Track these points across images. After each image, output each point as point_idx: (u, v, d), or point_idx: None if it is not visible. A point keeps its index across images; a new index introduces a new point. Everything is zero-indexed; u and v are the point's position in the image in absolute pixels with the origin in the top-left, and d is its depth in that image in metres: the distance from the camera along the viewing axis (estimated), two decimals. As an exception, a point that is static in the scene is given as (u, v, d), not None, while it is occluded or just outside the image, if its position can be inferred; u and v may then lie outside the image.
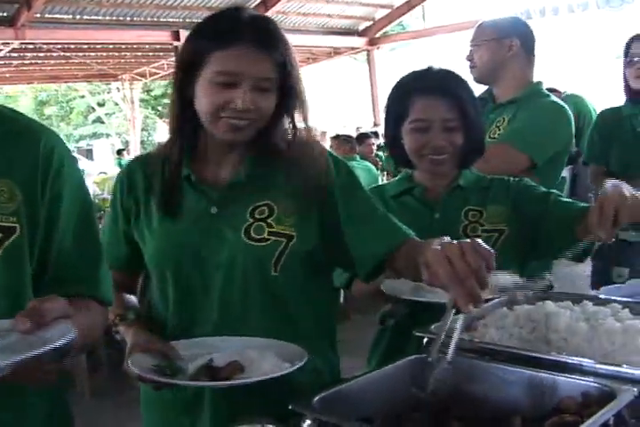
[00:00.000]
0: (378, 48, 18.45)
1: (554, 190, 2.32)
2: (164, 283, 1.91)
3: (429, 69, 2.29)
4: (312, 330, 1.94)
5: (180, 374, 1.65)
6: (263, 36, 1.80)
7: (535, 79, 3.16)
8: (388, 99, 2.33)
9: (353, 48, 18.93)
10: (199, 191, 1.89)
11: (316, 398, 1.49)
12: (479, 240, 1.48)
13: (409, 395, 1.53)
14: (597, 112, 4.07)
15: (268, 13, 14.95)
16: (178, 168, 1.89)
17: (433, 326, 1.79)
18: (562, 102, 3.06)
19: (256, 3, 14.87)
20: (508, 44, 3.06)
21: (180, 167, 1.89)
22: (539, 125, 2.93)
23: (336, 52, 19.33)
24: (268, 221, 1.85)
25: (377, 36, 18.02)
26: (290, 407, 1.45)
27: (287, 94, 1.86)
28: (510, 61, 3.07)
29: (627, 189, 1.92)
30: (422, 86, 2.23)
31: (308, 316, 1.94)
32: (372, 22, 17.80)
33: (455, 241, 1.49)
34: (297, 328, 1.90)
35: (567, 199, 2.27)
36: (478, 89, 3.04)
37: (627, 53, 3.34)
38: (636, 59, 3.30)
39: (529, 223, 2.25)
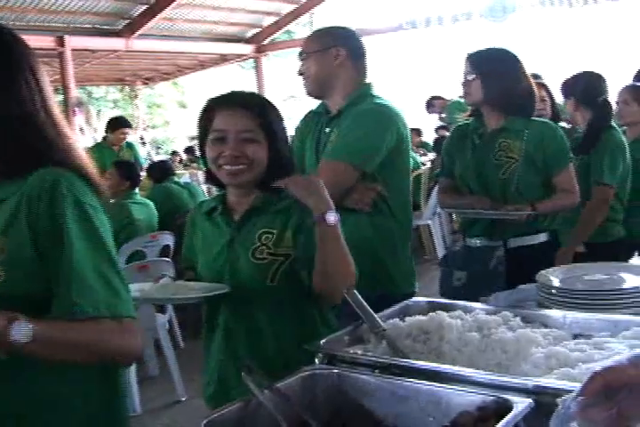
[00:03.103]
0: (265, 55, 18.44)
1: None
2: None
3: (236, 91, 2.38)
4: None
5: None
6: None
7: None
8: (198, 117, 2.37)
9: (240, 55, 18.84)
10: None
11: (204, 422, 1.42)
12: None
13: (299, 413, 1.47)
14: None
15: (154, 20, 14.77)
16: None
17: (322, 341, 1.75)
18: (386, 102, 2.99)
19: (142, 9, 14.63)
20: (334, 54, 3.01)
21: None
22: (358, 132, 2.89)
23: (224, 59, 19.19)
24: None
25: (264, 43, 18.01)
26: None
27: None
28: (338, 71, 3.02)
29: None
30: (225, 101, 2.30)
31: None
32: (259, 29, 17.78)
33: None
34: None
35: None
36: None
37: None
38: (463, 80, 3.39)
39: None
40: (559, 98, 4.60)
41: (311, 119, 3.20)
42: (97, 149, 8.49)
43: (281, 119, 2.33)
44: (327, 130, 3.04)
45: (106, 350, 1.55)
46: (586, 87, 4.22)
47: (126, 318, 1.55)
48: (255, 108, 2.26)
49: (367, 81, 3.10)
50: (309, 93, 3.14)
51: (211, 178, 2.38)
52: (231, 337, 2.27)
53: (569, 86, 4.32)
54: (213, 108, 2.29)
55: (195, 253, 2.42)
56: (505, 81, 3.33)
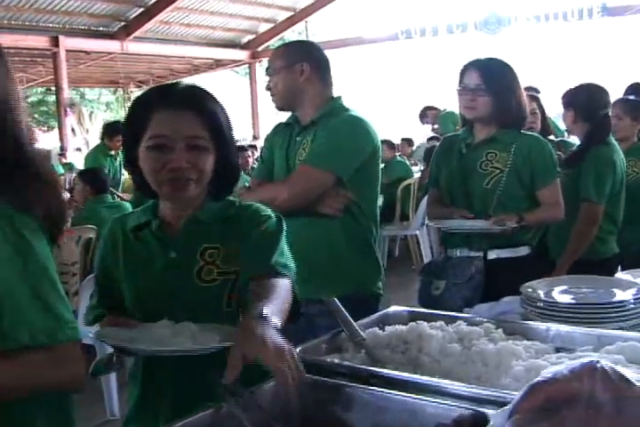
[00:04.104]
0: (260, 62, 18.46)
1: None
2: None
3: (175, 84, 1.98)
4: None
5: None
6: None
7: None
8: (127, 115, 1.99)
9: (235, 61, 18.87)
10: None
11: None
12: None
13: (270, 422, 1.44)
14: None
15: (150, 23, 14.77)
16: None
17: (299, 349, 1.72)
18: (359, 115, 3.05)
19: (139, 12, 14.62)
20: (299, 70, 3.05)
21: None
22: (336, 141, 2.94)
23: (218, 64, 19.23)
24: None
25: (259, 49, 18.04)
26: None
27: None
28: (305, 85, 3.06)
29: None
30: (166, 99, 1.90)
31: None
32: (254, 36, 17.81)
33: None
34: None
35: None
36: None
37: (460, 82, 3.38)
38: (465, 89, 3.34)
39: None
40: (551, 111, 4.58)
41: (282, 129, 3.24)
42: (100, 155, 8.88)
43: (229, 119, 2.00)
44: (298, 139, 3.08)
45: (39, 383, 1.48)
46: (587, 100, 4.13)
47: (66, 342, 1.47)
48: (204, 108, 1.91)
49: (336, 95, 3.15)
50: (278, 108, 3.18)
51: (142, 188, 1.99)
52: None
53: (570, 97, 4.22)
54: (150, 106, 1.90)
55: (117, 282, 1.99)
56: (512, 98, 3.32)
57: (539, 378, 0.92)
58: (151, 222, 1.98)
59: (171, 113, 1.87)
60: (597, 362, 0.95)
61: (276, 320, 1.56)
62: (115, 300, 1.99)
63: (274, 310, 1.60)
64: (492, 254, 3.24)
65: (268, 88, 3.15)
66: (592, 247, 3.90)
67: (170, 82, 2.01)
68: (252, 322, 1.54)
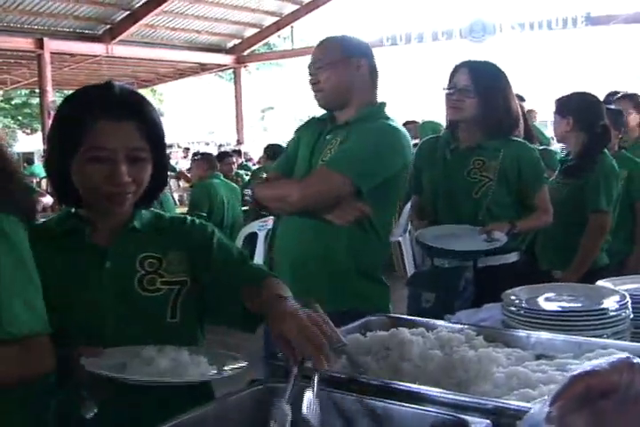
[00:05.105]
0: (245, 66, 18.47)
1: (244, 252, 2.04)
2: None
3: (110, 87, 1.82)
4: None
5: None
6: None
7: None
8: (56, 120, 1.84)
9: (220, 65, 18.87)
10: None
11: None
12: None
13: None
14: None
15: (136, 26, 14.75)
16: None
17: (280, 354, 1.71)
18: (398, 126, 2.89)
19: (124, 15, 14.59)
20: (356, 65, 2.87)
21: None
22: (366, 148, 2.76)
23: (203, 68, 19.23)
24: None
25: (245, 54, 18.04)
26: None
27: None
28: (358, 83, 2.87)
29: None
30: (104, 107, 1.76)
31: None
32: (240, 40, 17.81)
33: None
34: None
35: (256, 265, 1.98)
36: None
37: (449, 82, 3.32)
38: (452, 90, 3.28)
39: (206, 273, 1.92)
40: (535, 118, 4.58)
41: (314, 125, 3.05)
42: None
43: (161, 124, 1.88)
44: (328, 137, 2.91)
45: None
46: (587, 109, 4.07)
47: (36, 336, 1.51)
48: (145, 117, 1.81)
49: (381, 101, 2.98)
50: (325, 105, 2.96)
51: (63, 196, 1.87)
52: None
53: (566, 105, 4.13)
54: (86, 113, 1.75)
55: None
56: (500, 101, 3.27)
57: (579, 370, 0.98)
58: (85, 229, 1.84)
59: (112, 123, 1.75)
60: (634, 358, 1.01)
61: (295, 302, 1.63)
62: None
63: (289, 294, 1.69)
64: (483, 263, 3.19)
65: (315, 82, 2.90)
66: None
67: (102, 84, 1.85)
68: (276, 303, 1.61)
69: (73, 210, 1.90)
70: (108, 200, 1.78)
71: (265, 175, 3.39)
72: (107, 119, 1.74)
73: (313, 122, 3.09)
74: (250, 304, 1.75)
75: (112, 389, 1.57)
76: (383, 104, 2.96)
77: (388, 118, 2.90)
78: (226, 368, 1.60)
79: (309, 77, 2.94)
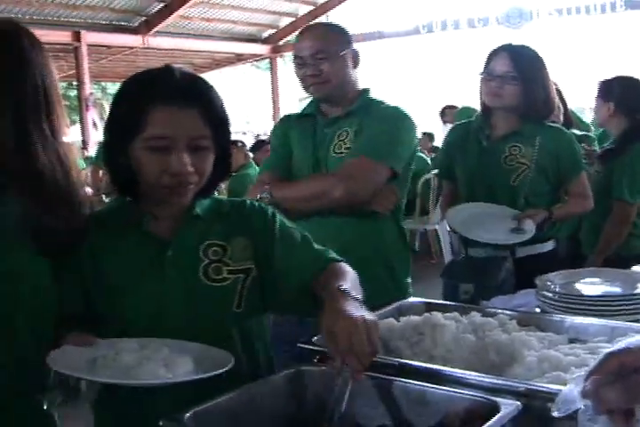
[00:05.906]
0: (281, 56, 18.47)
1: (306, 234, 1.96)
2: None
3: (170, 72, 1.75)
4: None
5: None
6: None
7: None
8: (114, 108, 1.77)
9: (256, 55, 18.88)
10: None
11: (189, 414, 1.41)
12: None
13: (284, 410, 1.46)
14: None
15: (171, 18, 14.80)
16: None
17: (315, 338, 1.73)
18: (401, 107, 2.83)
19: (159, 6, 14.66)
20: (352, 54, 2.82)
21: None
22: (390, 133, 2.74)
23: (239, 58, 19.23)
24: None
25: (280, 43, 18.03)
26: (160, 423, 1.37)
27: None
28: (353, 73, 2.84)
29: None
30: (165, 93, 1.69)
31: None
32: (275, 30, 17.80)
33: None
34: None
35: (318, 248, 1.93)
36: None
37: (485, 67, 3.24)
38: (492, 75, 3.20)
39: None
40: (572, 104, 4.50)
41: (297, 123, 2.96)
42: None
43: (225, 109, 1.80)
44: (327, 131, 2.85)
45: None
46: (632, 94, 3.98)
47: None
48: (207, 104, 1.73)
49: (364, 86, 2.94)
50: (323, 97, 2.87)
51: (123, 186, 1.81)
52: None
53: (609, 89, 4.03)
54: (145, 100, 1.68)
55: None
56: (541, 88, 3.21)
57: (613, 348, 1.03)
58: (145, 220, 1.78)
59: (172, 110, 1.67)
60: None
61: (356, 294, 1.62)
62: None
63: (351, 286, 1.66)
64: (521, 252, 3.14)
65: (316, 73, 2.77)
66: (626, 243, 3.82)
67: (161, 68, 1.77)
68: (335, 297, 1.59)
69: (128, 199, 1.83)
70: (169, 192, 1.72)
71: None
72: (166, 106, 1.67)
73: (292, 120, 3.01)
74: (315, 290, 1.73)
75: (79, 386, 1.59)
76: (369, 89, 2.92)
77: (383, 102, 2.87)
78: (185, 371, 1.51)
79: (304, 68, 2.82)
